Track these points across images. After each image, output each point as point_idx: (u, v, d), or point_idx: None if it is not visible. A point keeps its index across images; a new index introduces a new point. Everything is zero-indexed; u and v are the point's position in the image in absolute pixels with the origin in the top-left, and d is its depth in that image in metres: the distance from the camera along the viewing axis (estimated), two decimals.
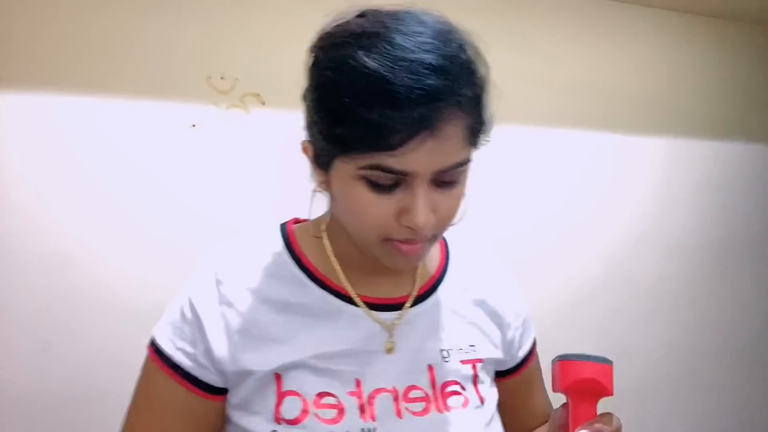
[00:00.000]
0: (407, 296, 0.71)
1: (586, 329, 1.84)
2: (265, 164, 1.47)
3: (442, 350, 0.70)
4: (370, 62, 0.52)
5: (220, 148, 1.44)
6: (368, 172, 0.55)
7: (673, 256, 1.96)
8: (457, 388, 0.69)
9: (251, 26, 1.46)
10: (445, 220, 0.60)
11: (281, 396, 0.62)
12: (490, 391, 0.73)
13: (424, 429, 0.66)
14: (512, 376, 0.79)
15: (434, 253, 0.76)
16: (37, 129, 1.32)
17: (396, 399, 0.66)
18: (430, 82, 0.52)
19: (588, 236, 1.85)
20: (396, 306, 0.70)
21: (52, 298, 1.33)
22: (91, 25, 1.34)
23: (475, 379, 0.71)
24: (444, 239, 0.79)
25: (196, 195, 1.43)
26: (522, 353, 0.80)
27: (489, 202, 1.64)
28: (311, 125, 0.61)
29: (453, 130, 0.55)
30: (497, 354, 0.75)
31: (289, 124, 1.52)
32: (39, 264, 1.32)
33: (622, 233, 1.89)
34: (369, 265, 0.68)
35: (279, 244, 0.70)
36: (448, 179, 0.58)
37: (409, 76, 0.51)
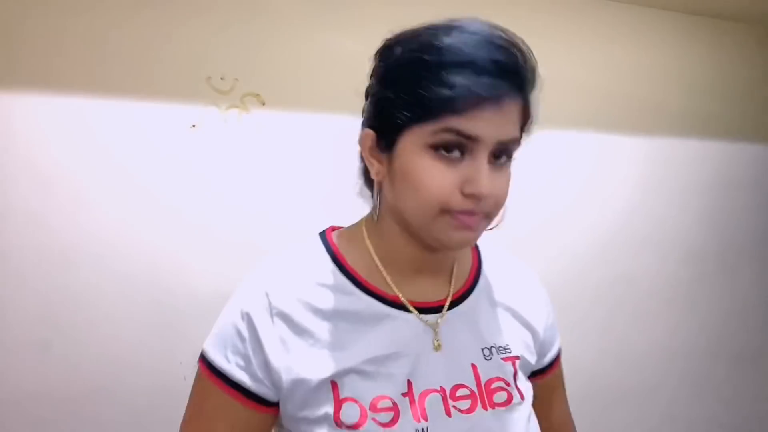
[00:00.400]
0: (445, 298, 0.74)
1: (586, 329, 1.84)
2: (265, 164, 1.47)
3: (484, 348, 0.73)
4: (449, 39, 0.61)
5: (220, 149, 1.44)
6: (441, 136, 0.61)
7: (673, 257, 1.96)
8: (501, 384, 0.71)
9: (251, 27, 1.46)
10: (498, 201, 0.65)
11: (339, 403, 0.64)
12: (527, 387, 0.76)
13: (472, 426, 0.68)
14: (536, 379, 0.81)
15: (468, 257, 0.80)
16: (36, 129, 1.32)
17: (444, 398, 0.68)
18: (500, 57, 0.61)
19: (587, 236, 1.85)
20: (437, 308, 0.73)
21: (51, 298, 1.33)
22: (90, 26, 1.34)
23: (515, 376, 0.73)
24: (476, 245, 0.82)
25: (195, 196, 1.43)
26: (548, 358, 0.83)
27: None
28: (381, 106, 0.67)
29: (512, 106, 0.63)
30: (530, 356, 0.78)
31: (289, 124, 1.54)
32: (39, 264, 1.33)
33: (621, 233, 1.89)
34: (410, 266, 0.72)
35: (322, 253, 0.72)
36: (504, 155, 0.64)
37: (483, 50, 0.60)
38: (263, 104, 1.47)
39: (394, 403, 0.65)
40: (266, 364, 0.65)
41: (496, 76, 0.60)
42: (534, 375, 0.81)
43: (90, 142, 1.35)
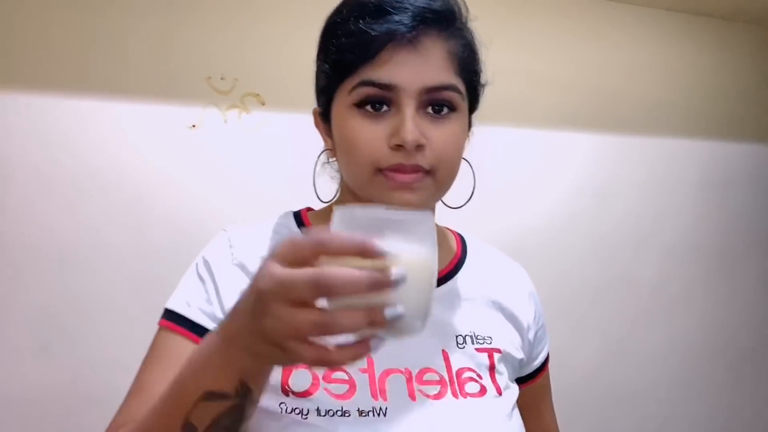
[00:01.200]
0: None
1: (586, 329, 1.84)
2: (266, 164, 1.47)
3: (457, 336, 0.69)
4: None
5: (220, 149, 1.44)
6: (360, 91, 0.60)
7: (673, 257, 1.96)
8: (472, 375, 0.68)
9: (251, 26, 1.46)
10: (439, 155, 0.61)
11: (290, 367, 0.61)
12: (510, 385, 0.71)
13: (439, 413, 0.64)
14: (524, 385, 0.77)
15: (449, 245, 0.77)
16: (36, 129, 1.32)
17: (409, 380, 0.65)
18: (412, 1, 0.60)
19: (587, 236, 1.85)
20: None
21: (50, 298, 1.33)
22: (91, 26, 1.34)
23: (491, 370, 0.69)
24: (461, 236, 0.80)
25: (196, 196, 1.43)
26: (537, 362, 0.80)
27: (486, 201, 1.64)
28: (316, 79, 0.68)
29: (434, 49, 0.61)
30: (517, 352, 0.74)
31: (290, 124, 1.54)
32: (37, 264, 1.32)
33: (621, 233, 1.89)
34: None
35: (291, 221, 0.73)
36: (437, 105, 0.61)
37: None
38: (263, 104, 1.47)
39: (350, 377, 0.63)
40: (222, 310, 0.63)
41: (407, 17, 0.59)
42: (522, 381, 0.77)
43: (89, 142, 1.35)
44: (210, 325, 0.63)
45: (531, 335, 0.77)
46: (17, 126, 1.31)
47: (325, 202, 0.76)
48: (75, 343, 1.34)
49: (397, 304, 0.39)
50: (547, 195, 1.79)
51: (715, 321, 2.02)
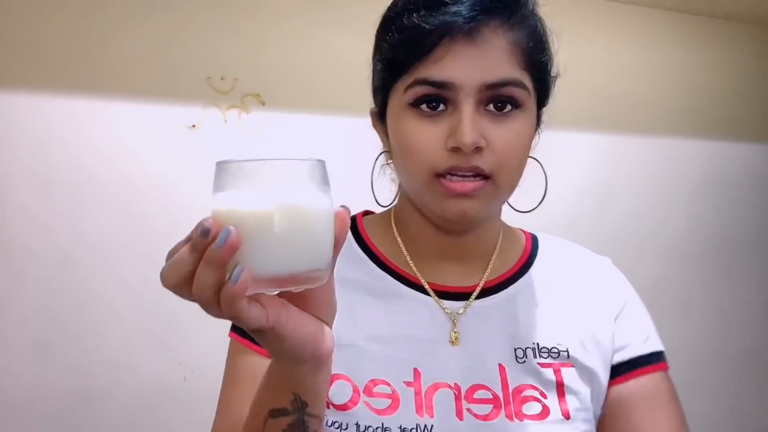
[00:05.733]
0: (475, 285, 0.64)
1: None
2: None
3: (517, 348, 0.62)
4: None
5: (220, 149, 1.44)
6: (415, 90, 0.55)
7: (673, 257, 1.96)
8: (534, 393, 0.60)
9: (251, 26, 1.46)
10: (501, 157, 0.56)
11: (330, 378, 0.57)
12: (589, 407, 0.61)
13: None
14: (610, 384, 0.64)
15: (516, 244, 0.71)
16: (37, 129, 1.32)
17: (457, 397, 0.59)
18: None
19: (586, 236, 1.85)
20: (464, 295, 0.63)
21: (50, 299, 1.33)
22: (90, 26, 1.34)
23: (559, 387, 0.60)
24: (533, 236, 0.74)
25: (195, 196, 1.43)
26: (617, 359, 0.64)
27: None
28: (372, 77, 0.63)
29: (495, 41, 0.55)
30: (596, 364, 0.63)
31: (290, 124, 1.53)
32: (37, 264, 1.32)
33: (621, 234, 1.89)
34: (435, 252, 0.64)
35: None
36: (499, 103, 0.56)
37: None
38: (263, 104, 1.47)
39: (394, 391, 0.58)
40: None
41: (466, 6, 0.53)
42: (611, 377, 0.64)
43: (90, 142, 1.35)
44: None
45: (611, 336, 0.65)
46: (17, 126, 1.31)
47: (384, 207, 0.71)
48: (75, 344, 1.34)
49: (239, 260, 0.38)
50: (548, 195, 1.78)
51: (715, 322, 2.02)
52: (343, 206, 0.44)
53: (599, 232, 1.86)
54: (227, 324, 0.67)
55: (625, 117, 1.87)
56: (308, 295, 0.44)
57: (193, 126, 1.42)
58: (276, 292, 0.42)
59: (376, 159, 0.68)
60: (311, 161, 0.41)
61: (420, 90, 0.55)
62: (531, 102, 0.59)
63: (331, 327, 0.47)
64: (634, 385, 0.64)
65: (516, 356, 0.61)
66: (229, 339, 0.66)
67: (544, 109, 0.67)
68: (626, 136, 1.88)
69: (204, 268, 0.38)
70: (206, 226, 0.38)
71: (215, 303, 0.39)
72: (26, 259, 1.32)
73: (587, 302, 0.66)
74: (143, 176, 1.39)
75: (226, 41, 1.44)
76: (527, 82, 0.58)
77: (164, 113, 1.39)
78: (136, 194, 1.38)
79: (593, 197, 1.85)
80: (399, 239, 0.66)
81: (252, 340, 0.61)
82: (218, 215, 0.40)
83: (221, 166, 0.42)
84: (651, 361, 0.66)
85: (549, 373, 0.61)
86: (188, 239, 0.41)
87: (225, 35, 1.44)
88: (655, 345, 0.67)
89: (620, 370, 0.64)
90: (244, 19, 1.45)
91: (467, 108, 0.54)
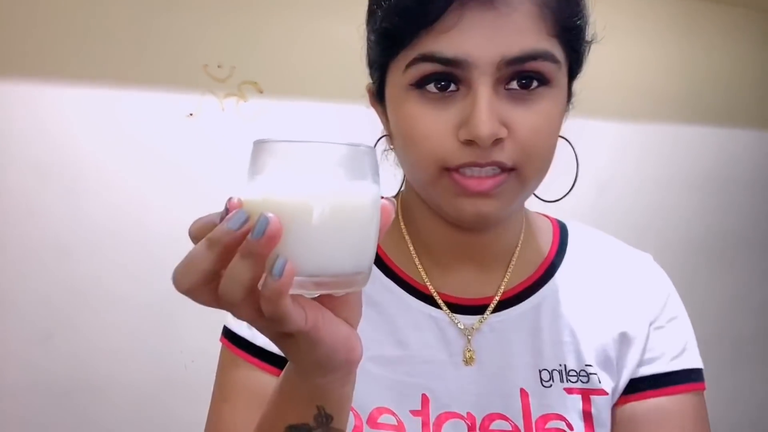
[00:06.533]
0: (493, 296, 0.55)
1: None
2: None
3: (542, 370, 0.53)
4: None
5: (217, 138, 1.43)
6: (419, 68, 0.45)
7: (672, 244, 1.96)
8: (561, 425, 0.51)
9: (248, 13, 1.44)
10: (526, 146, 0.46)
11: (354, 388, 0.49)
12: None
13: None
14: (622, 402, 0.54)
15: (540, 242, 0.60)
16: (33, 118, 1.31)
17: (471, 429, 0.51)
18: None
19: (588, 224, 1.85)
20: (480, 308, 0.55)
21: (52, 289, 1.33)
22: (86, 15, 1.32)
23: (588, 418, 0.52)
24: (560, 226, 0.63)
25: (193, 185, 1.42)
26: (642, 372, 0.55)
27: None
28: (366, 52, 0.53)
29: (519, 2, 0.44)
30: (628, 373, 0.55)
31: (288, 112, 1.52)
32: (37, 254, 1.32)
33: (620, 222, 1.89)
34: (447, 252, 0.55)
35: None
36: (524, 80, 0.45)
37: None
38: (261, 92, 1.46)
39: (400, 422, 0.51)
40: None
41: None
42: (624, 392, 0.55)
43: (86, 131, 1.34)
44: (264, 343, 0.55)
45: (644, 345, 0.56)
46: (13, 116, 1.30)
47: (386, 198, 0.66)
48: (76, 333, 1.35)
49: (279, 253, 0.32)
50: (546, 184, 1.78)
51: (715, 308, 2.03)
52: (387, 198, 0.37)
53: (597, 220, 1.86)
54: (224, 316, 0.67)
55: (624, 104, 1.86)
56: (340, 297, 0.39)
57: (191, 114, 1.41)
58: (316, 295, 0.37)
59: (376, 144, 0.58)
60: (363, 147, 0.35)
61: (425, 68, 0.45)
62: (562, 75, 0.49)
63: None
64: (650, 406, 0.54)
65: (541, 379, 0.52)
66: (221, 343, 0.62)
67: (576, 81, 0.55)
68: (625, 123, 1.87)
69: (238, 263, 0.32)
70: (240, 216, 0.32)
71: (246, 304, 0.34)
72: (25, 250, 1.32)
73: (622, 312, 0.57)
74: (140, 166, 1.38)
75: (222, 28, 1.42)
76: (557, 52, 0.47)
77: (161, 102, 1.38)
78: (134, 184, 1.38)
79: (591, 185, 1.84)
80: (407, 236, 0.57)
81: (247, 350, 0.55)
82: (251, 205, 0.34)
83: (258, 146, 0.36)
84: (680, 379, 0.57)
85: (576, 400, 0.52)
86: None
87: (222, 22, 1.42)
88: (690, 361, 0.59)
89: (641, 386, 0.55)
90: (241, 5, 1.43)
91: (483, 90, 0.44)
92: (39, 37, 1.30)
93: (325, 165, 0.34)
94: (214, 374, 0.62)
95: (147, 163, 1.38)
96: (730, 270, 2.05)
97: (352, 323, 0.40)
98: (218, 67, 1.43)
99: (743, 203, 2.05)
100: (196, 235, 0.36)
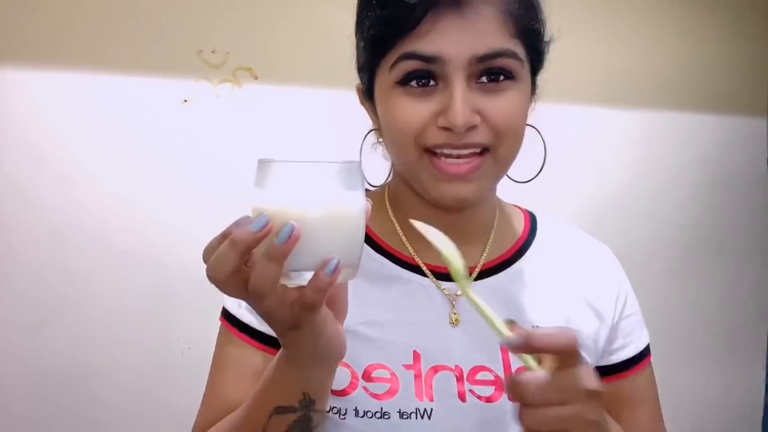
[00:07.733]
0: (474, 266, 0.64)
1: None
2: (258, 139, 1.46)
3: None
4: None
5: (212, 124, 1.43)
6: (401, 66, 0.53)
7: (668, 230, 1.97)
8: None
9: None
10: (499, 129, 0.55)
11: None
12: None
13: (492, 417, 0.58)
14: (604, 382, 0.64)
15: (513, 224, 0.70)
16: (28, 104, 1.30)
17: (459, 379, 0.59)
18: None
19: (581, 211, 1.85)
20: None
21: (46, 275, 1.33)
22: (80, 1, 1.31)
23: None
24: (531, 215, 0.73)
25: (188, 171, 1.42)
26: (617, 357, 0.67)
27: None
28: (357, 55, 0.62)
29: (485, 9, 0.52)
30: (596, 342, 0.64)
31: (282, 98, 1.51)
32: (32, 240, 1.32)
33: (615, 208, 1.89)
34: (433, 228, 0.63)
35: None
36: (492, 75, 0.54)
37: None
38: (256, 78, 1.45)
39: (393, 375, 0.58)
40: None
41: None
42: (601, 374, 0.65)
43: (82, 117, 1.33)
44: (255, 323, 0.62)
45: (612, 328, 0.66)
46: (9, 101, 1.29)
47: (375, 187, 0.70)
48: (71, 320, 1.35)
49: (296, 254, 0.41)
50: (541, 171, 1.78)
51: (708, 295, 2.04)
52: (366, 197, 0.45)
53: (592, 206, 1.86)
54: (223, 299, 0.68)
55: (619, 90, 1.85)
56: (331, 297, 0.45)
57: (185, 101, 1.40)
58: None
59: (364, 138, 0.67)
60: (353, 163, 0.44)
61: (407, 65, 0.54)
62: (525, 72, 0.58)
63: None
64: (627, 384, 0.67)
65: None
66: (220, 322, 0.67)
67: (540, 75, 0.66)
68: (620, 110, 1.86)
69: (266, 264, 0.40)
70: (263, 221, 0.39)
71: (270, 296, 0.41)
72: (19, 236, 1.31)
73: (587, 288, 0.67)
74: (136, 152, 1.37)
75: (217, 14, 1.41)
76: (520, 51, 0.56)
77: (155, 88, 1.37)
78: (129, 170, 1.37)
79: (586, 171, 1.84)
80: (393, 219, 0.65)
81: (241, 330, 0.62)
82: (268, 212, 0.42)
83: (267, 164, 0.44)
84: (644, 356, 0.69)
85: None
86: (225, 235, 0.42)
87: (216, 7, 1.41)
88: (646, 337, 0.71)
89: (616, 369, 0.67)
90: None
91: (458, 84, 0.53)
92: (31, 23, 1.28)
93: (322, 180, 0.43)
94: (210, 361, 0.67)
95: (141, 149, 1.38)
96: (724, 255, 2.06)
97: (342, 321, 0.48)
98: (212, 52, 1.41)
99: (738, 190, 2.05)
100: (209, 256, 0.44)
